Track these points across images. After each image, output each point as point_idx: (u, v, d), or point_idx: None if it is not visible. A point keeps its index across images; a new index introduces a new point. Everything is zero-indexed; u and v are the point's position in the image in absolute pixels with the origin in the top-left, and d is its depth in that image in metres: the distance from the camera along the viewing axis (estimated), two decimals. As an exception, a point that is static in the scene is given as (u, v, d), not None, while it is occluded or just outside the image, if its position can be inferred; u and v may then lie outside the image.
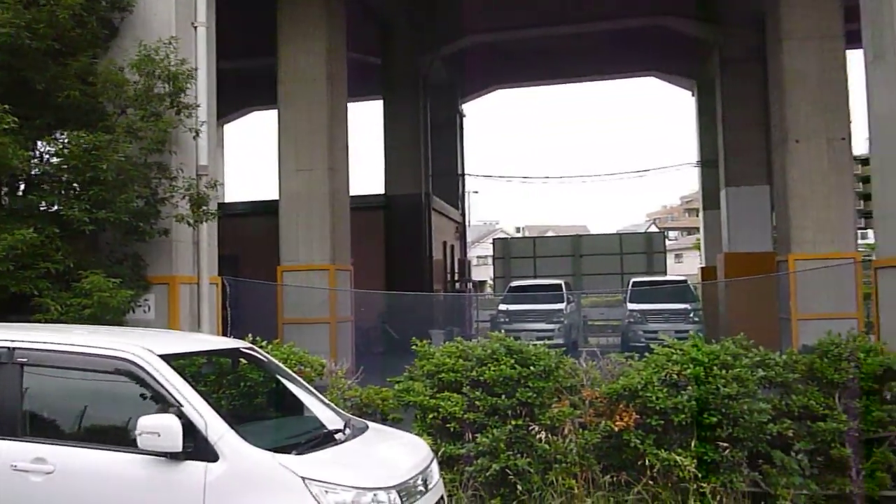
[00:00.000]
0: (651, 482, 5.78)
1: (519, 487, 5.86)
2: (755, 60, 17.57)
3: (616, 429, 5.79)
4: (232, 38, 12.06)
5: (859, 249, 14.73)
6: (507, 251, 28.87)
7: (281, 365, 5.64)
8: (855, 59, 11.33)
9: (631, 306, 18.20)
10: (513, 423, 5.94)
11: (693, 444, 5.75)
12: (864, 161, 32.95)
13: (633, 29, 21.75)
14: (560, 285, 19.63)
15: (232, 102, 24.61)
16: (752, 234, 18.31)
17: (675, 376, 5.86)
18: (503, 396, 6.02)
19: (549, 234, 56.91)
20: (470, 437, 6.09)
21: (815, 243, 12.82)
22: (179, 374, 4.28)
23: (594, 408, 6.07)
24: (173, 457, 3.98)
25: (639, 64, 24.89)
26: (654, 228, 61.67)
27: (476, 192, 45.26)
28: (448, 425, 6.12)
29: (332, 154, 14.37)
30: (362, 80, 19.49)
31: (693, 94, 25.31)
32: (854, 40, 9.35)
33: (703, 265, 24.10)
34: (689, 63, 24.08)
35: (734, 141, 18.88)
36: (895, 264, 7.63)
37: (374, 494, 4.02)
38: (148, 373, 4.22)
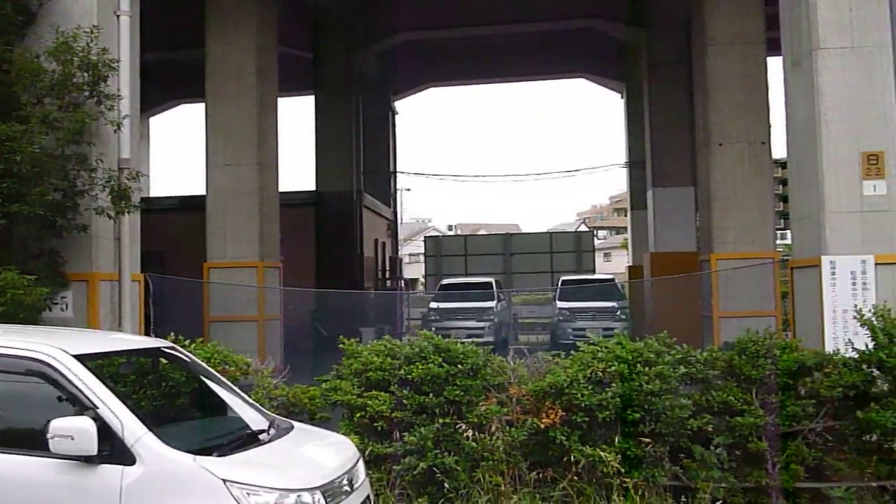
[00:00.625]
0: (576, 478, 5.86)
1: (446, 485, 5.87)
2: (682, 64, 18.01)
3: (542, 426, 5.84)
4: (159, 29, 11.75)
5: (778, 250, 15.26)
6: (439, 249, 28.96)
7: (204, 364, 5.52)
8: (775, 65, 11.73)
9: (560, 304, 18.48)
10: (440, 421, 5.94)
11: (617, 440, 5.84)
12: (784, 164, 34.15)
13: (564, 31, 22.05)
14: (490, 283, 19.81)
15: (159, 95, 24.02)
16: (677, 234, 18.78)
17: (600, 374, 5.93)
18: (431, 395, 6.01)
19: (482, 232, 57.27)
20: (397, 435, 6.06)
21: (736, 243, 13.24)
22: (95, 374, 4.13)
23: (521, 405, 6.11)
24: (88, 460, 3.84)
25: (570, 65, 25.27)
26: (583, 227, 62.73)
27: (408, 190, 45.28)
28: (375, 424, 6.08)
29: (262, 149, 14.17)
30: (294, 75, 19.27)
31: (622, 97, 25.80)
32: (775, 47, 9.67)
33: (631, 264, 24.62)
34: (618, 66, 24.55)
35: (661, 143, 19.32)
36: (810, 264, 7.90)
37: (298, 496, 3.96)
38: (62, 374, 4.06)
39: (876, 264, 7.50)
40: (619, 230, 70.50)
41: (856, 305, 6.94)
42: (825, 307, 7.56)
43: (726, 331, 12.21)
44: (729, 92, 13.42)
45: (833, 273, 7.55)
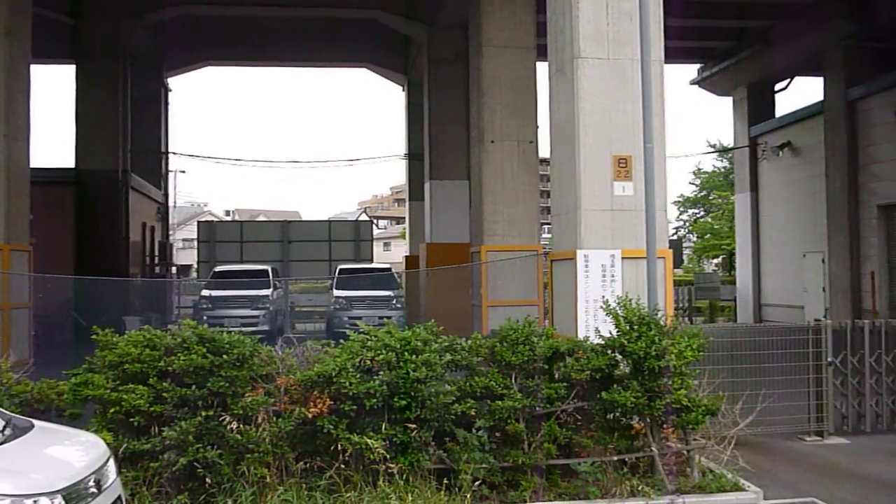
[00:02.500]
0: (343, 466, 5.89)
1: (208, 480, 5.67)
2: (460, 63, 18.58)
3: (310, 415, 5.81)
4: None
5: (542, 243, 16.28)
6: (213, 234, 27.77)
7: (-74, 359, 4.89)
8: (544, 70, 12.47)
9: (336, 293, 18.51)
10: (203, 414, 5.71)
11: (384, 427, 5.95)
12: (549, 162, 36.32)
13: (347, 19, 21.95)
14: (267, 271, 19.41)
15: None
16: (452, 226, 19.38)
17: (369, 362, 6.01)
18: (194, 387, 5.76)
19: (261, 218, 55.94)
20: (156, 430, 5.75)
21: (504, 236, 13.97)
22: None
23: (289, 395, 6.03)
24: None
25: (353, 54, 25.19)
26: (364, 217, 63.21)
27: (183, 172, 42.92)
28: (132, 420, 5.73)
29: (10, 120, 12.75)
30: (53, 40, 17.59)
31: (404, 90, 26.18)
32: (544, 53, 10.24)
33: (408, 254, 25.13)
34: (400, 59, 24.91)
35: (438, 137, 19.83)
36: (566, 257, 8.50)
37: (35, 501, 3.63)
38: None
39: (623, 258, 8.21)
40: (400, 220, 71.84)
41: (604, 296, 7.58)
42: (579, 297, 8.16)
43: (494, 319, 12.83)
44: (502, 92, 14.09)
45: (586, 266, 8.17)
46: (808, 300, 23.92)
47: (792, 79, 26.99)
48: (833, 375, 8.71)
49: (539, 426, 6.41)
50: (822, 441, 8.63)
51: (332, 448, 5.88)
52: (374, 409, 5.91)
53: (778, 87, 27.32)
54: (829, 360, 8.66)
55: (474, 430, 6.23)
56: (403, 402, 5.93)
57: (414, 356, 6.01)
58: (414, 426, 5.97)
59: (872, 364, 8.93)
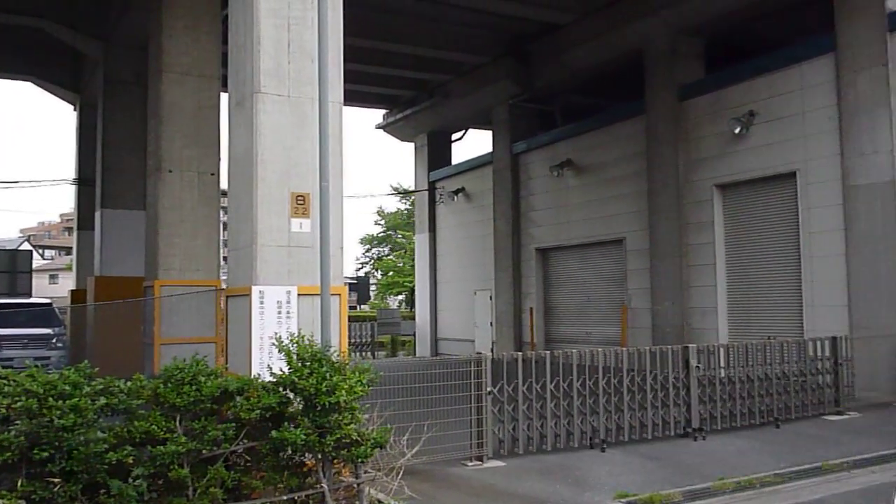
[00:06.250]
0: (-34, 533, 5.12)
1: None
2: (139, 86, 17.56)
3: (-81, 478, 4.98)
4: None
5: (222, 278, 15.80)
6: None
7: None
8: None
9: (-17, 331, 16.30)
10: None
11: (20, 484, 5.27)
12: (239, 197, 35.53)
13: (6, 25, 19.75)
14: None
15: None
16: (126, 258, 18.11)
17: (4, 410, 5.31)
18: None
19: None
20: None
21: (181, 270, 13.33)
22: None
23: None
24: None
25: (15, 65, 22.68)
26: (26, 246, 56.75)
27: None
28: None
29: None
30: None
31: (76, 109, 24.13)
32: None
33: (75, 288, 22.99)
34: (72, 75, 22.95)
35: (113, 163, 18.51)
36: (242, 293, 8.30)
37: None
38: None
39: (299, 295, 8.22)
40: (70, 251, 65.65)
41: (277, 333, 7.51)
42: (253, 334, 7.99)
43: (168, 358, 12.08)
44: (182, 121, 13.53)
45: (262, 302, 8.05)
46: (478, 334, 26.03)
47: (467, 130, 29.54)
48: (491, 404, 9.45)
49: (206, 470, 6.12)
50: (481, 465, 9.28)
51: (-50, 514, 5.09)
52: (10, 463, 5.22)
53: (455, 136, 29.73)
54: (488, 389, 9.39)
55: (132, 480, 5.77)
56: (46, 454, 5.31)
57: (60, 402, 5.42)
58: (58, 480, 5.37)
59: (524, 392, 9.85)
